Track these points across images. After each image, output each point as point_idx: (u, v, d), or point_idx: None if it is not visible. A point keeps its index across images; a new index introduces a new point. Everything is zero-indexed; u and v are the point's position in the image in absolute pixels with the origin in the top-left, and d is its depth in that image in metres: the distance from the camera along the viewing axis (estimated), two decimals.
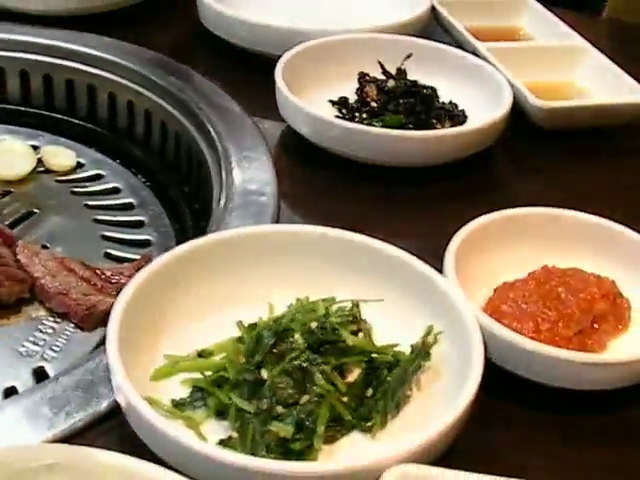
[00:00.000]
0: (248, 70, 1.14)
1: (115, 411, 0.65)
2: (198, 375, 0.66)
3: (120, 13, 1.26)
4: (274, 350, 0.65)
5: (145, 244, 1.00)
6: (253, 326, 0.68)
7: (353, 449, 0.64)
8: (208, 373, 0.66)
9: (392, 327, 0.71)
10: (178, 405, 0.65)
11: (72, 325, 0.86)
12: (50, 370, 0.81)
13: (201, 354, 0.68)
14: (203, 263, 0.73)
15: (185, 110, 1.06)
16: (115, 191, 1.08)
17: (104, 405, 0.66)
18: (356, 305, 0.70)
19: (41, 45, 1.17)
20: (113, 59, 1.14)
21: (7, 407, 0.68)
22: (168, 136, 1.11)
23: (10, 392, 0.79)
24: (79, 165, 1.11)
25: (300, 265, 0.75)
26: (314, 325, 0.66)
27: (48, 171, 1.09)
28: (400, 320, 0.72)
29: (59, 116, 1.19)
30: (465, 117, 1.04)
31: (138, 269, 0.89)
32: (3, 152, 1.10)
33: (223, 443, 0.62)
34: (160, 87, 1.10)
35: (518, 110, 1.02)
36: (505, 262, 0.79)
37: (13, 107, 1.20)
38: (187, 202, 1.06)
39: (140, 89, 1.12)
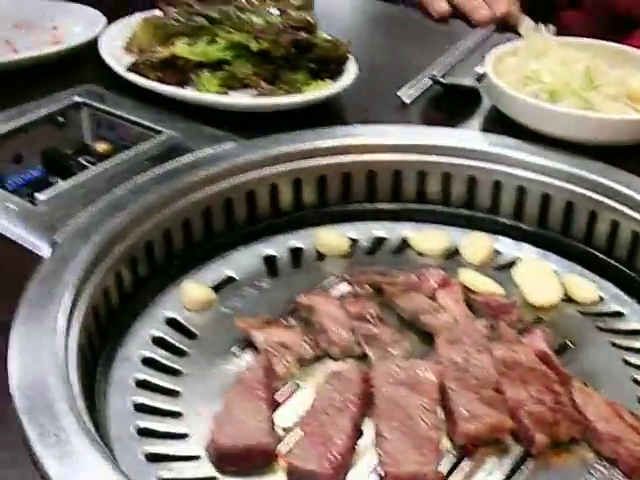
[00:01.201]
0: None
1: None
2: None
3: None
4: None
5: None
6: None
7: None
8: None
9: None
10: None
11: (620, 472, 0.91)
12: None
13: None
14: None
15: None
16: (638, 332, 1.11)
17: None
18: None
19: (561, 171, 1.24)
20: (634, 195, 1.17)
21: None
22: None
23: None
24: (599, 299, 1.15)
25: None
26: None
27: (569, 300, 1.14)
28: None
29: (577, 244, 1.24)
30: None
31: None
32: (535, 275, 1.16)
33: None
34: None
35: None
36: None
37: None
38: None
39: None
